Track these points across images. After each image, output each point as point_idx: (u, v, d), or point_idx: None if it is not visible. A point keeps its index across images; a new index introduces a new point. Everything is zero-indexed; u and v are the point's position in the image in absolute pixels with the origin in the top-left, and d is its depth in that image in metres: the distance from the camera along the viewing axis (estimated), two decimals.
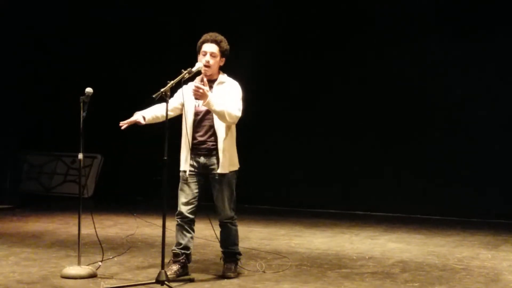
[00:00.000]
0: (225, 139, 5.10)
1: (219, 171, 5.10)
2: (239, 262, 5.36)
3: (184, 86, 5.16)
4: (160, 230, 4.94)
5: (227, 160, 5.11)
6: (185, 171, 5.16)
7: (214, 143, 5.12)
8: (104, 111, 8.98)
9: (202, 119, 5.15)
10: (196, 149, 5.15)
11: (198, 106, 5.15)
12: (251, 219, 8.24)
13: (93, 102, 5.27)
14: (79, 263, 5.24)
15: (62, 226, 7.66)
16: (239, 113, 5.08)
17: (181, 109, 5.22)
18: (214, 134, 5.13)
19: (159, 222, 5.24)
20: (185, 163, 5.17)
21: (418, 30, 8.86)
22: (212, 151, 5.13)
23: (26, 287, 4.83)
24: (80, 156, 5.28)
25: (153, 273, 5.05)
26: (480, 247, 6.73)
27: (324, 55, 9.31)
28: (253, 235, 7.16)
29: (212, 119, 5.12)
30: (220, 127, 5.11)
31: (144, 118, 5.19)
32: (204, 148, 5.14)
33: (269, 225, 7.97)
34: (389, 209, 8.86)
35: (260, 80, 9.04)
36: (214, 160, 5.12)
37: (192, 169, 5.16)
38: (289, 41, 9.45)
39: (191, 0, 9.75)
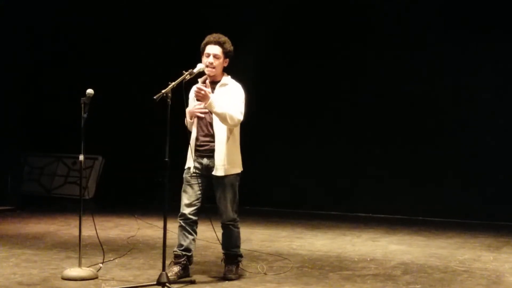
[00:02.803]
0: (224, 141, 5.08)
1: (218, 173, 5.09)
2: (240, 264, 5.35)
3: (194, 87, 5.16)
4: (161, 231, 4.93)
5: (228, 163, 5.09)
6: (189, 168, 5.14)
7: (215, 144, 5.12)
8: (105, 113, 9.00)
9: (205, 120, 5.14)
10: (199, 151, 5.15)
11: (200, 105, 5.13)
12: (253, 221, 8.23)
13: (94, 103, 5.26)
14: (80, 265, 5.23)
15: (63, 227, 7.66)
16: (241, 117, 5.07)
17: None
18: (214, 136, 5.12)
19: (160, 223, 5.23)
20: (189, 160, 5.16)
21: (416, 35, 8.87)
22: (214, 153, 5.11)
23: None
24: (81, 157, 5.27)
25: (154, 274, 5.04)
26: (481, 249, 6.72)
27: (325, 58, 9.31)
28: (254, 237, 7.16)
29: (213, 120, 5.10)
30: (219, 129, 5.09)
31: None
32: (207, 150, 5.13)
33: (271, 227, 7.97)
34: (390, 211, 8.86)
35: (262, 82, 9.03)
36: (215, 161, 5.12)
37: (196, 170, 5.15)
38: (291, 45, 9.44)
39: (194, 1, 9.75)
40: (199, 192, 5.15)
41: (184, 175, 5.19)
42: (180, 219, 5.17)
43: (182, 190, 5.18)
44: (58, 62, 10.40)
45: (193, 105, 5.16)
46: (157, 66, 9.39)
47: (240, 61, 5.32)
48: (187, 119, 5.22)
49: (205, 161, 5.13)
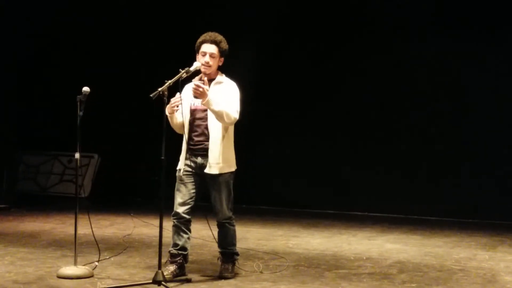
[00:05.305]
0: (219, 139, 5.08)
1: (213, 172, 5.08)
2: (236, 263, 5.34)
3: (186, 85, 5.15)
4: (157, 230, 4.92)
5: (222, 161, 5.09)
6: (179, 170, 5.15)
7: (209, 143, 5.11)
8: (101, 111, 8.98)
9: (198, 119, 5.13)
10: (192, 150, 5.14)
11: (194, 105, 5.14)
12: (249, 219, 8.23)
13: (90, 101, 5.25)
14: (75, 263, 5.23)
15: (59, 226, 7.64)
16: (237, 115, 5.08)
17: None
18: (209, 134, 5.11)
19: (156, 222, 5.23)
20: (181, 162, 5.16)
21: (411, 34, 8.86)
22: (208, 151, 5.11)
23: (22, 287, 4.81)
24: (77, 155, 5.26)
25: (150, 273, 5.04)
26: (477, 248, 6.73)
27: (323, 57, 9.30)
28: (250, 236, 7.15)
29: (207, 119, 5.10)
30: (214, 128, 5.09)
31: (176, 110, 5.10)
32: (201, 149, 5.13)
33: (267, 226, 7.96)
34: (386, 210, 8.85)
35: (258, 79, 9.03)
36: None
37: (189, 169, 5.14)
38: (290, 44, 9.43)
39: (193, 1, 9.74)
40: (193, 190, 5.14)
41: (177, 174, 5.19)
42: (174, 218, 5.16)
43: (176, 189, 5.18)
44: (56, 61, 10.37)
45: (187, 103, 5.14)
46: (154, 65, 9.36)
47: (237, 59, 5.31)
48: (167, 114, 5.09)
49: (199, 160, 5.12)
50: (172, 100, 5.02)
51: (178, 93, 5.04)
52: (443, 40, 8.76)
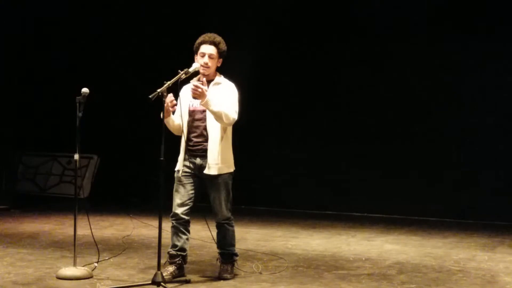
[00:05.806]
0: (218, 140, 5.08)
1: (212, 172, 5.08)
2: (235, 263, 5.34)
3: (184, 86, 5.15)
4: (156, 231, 4.92)
5: (221, 162, 5.09)
6: (178, 171, 5.15)
7: (208, 144, 5.11)
8: (101, 112, 8.98)
9: (196, 120, 5.14)
10: (191, 150, 5.14)
11: (192, 106, 5.14)
12: (248, 220, 8.23)
13: (89, 102, 5.25)
14: (74, 264, 5.23)
15: (58, 227, 7.64)
16: (235, 115, 5.08)
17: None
18: (207, 135, 5.11)
19: (155, 223, 5.23)
20: (179, 163, 5.17)
21: (411, 34, 8.86)
22: (207, 152, 5.11)
23: None
24: (76, 156, 5.26)
25: (149, 274, 5.04)
26: (476, 248, 6.73)
27: (322, 56, 9.31)
28: (249, 236, 7.15)
29: (206, 119, 5.10)
30: (212, 128, 5.09)
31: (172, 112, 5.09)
32: (200, 149, 5.13)
33: (266, 226, 7.96)
34: (385, 211, 8.85)
35: (258, 79, 9.03)
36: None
37: (188, 170, 5.15)
38: (287, 43, 9.43)
39: (189, 1, 9.74)
40: (192, 191, 5.14)
41: (176, 175, 5.19)
42: (173, 219, 5.16)
43: (174, 190, 5.18)
44: (56, 61, 10.38)
45: (185, 103, 5.13)
46: (154, 65, 9.37)
47: (237, 59, 5.31)
48: (162, 117, 5.06)
49: (198, 161, 5.12)
50: (167, 100, 4.96)
51: (170, 94, 4.99)
52: (443, 40, 8.76)
